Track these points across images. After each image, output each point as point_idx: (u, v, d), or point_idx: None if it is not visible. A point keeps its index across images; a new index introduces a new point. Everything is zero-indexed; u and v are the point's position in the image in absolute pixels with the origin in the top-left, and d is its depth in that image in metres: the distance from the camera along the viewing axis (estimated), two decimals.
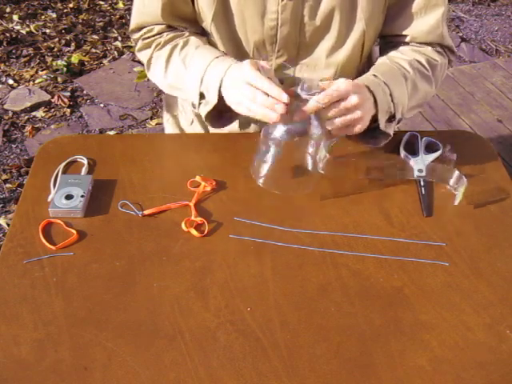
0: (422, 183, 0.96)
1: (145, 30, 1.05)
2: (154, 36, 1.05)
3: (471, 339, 0.74)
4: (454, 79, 2.77)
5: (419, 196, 0.94)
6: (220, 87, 0.91)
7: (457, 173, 0.95)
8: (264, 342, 0.73)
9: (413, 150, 1.02)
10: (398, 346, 0.73)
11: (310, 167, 0.93)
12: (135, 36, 1.08)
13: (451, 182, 0.96)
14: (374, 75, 0.95)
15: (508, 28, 3.26)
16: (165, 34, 1.04)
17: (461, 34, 3.16)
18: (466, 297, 0.79)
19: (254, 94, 0.85)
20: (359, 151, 1.01)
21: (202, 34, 1.06)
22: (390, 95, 0.93)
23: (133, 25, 1.07)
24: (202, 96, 0.97)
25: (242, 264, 0.83)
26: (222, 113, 0.97)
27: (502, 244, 0.87)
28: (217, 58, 0.96)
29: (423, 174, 0.97)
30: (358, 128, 0.89)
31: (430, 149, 1.03)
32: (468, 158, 1.02)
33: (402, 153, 1.02)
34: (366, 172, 0.98)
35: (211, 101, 0.94)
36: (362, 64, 1.06)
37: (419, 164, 0.99)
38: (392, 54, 1.03)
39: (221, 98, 0.92)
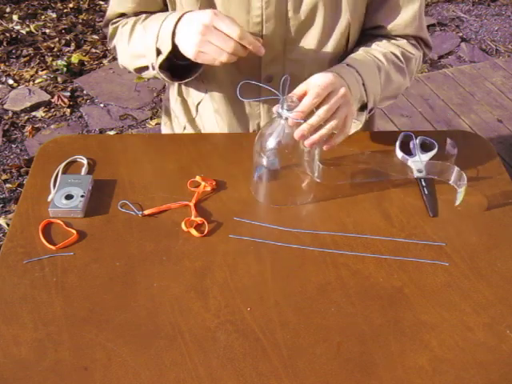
0: (423, 183, 0.96)
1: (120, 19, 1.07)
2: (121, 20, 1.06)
3: (471, 339, 0.74)
4: (454, 79, 2.77)
5: (422, 196, 0.94)
6: (174, 32, 0.90)
7: (456, 169, 0.95)
8: (264, 342, 0.73)
9: (409, 151, 1.03)
10: (398, 346, 0.73)
11: (305, 177, 0.92)
12: (105, 30, 1.11)
13: (452, 179, 0.96)
14: (348, 64, 0.95)
15: (508, 28, 3.26)
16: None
17: (461, 34, 3.16)
18: (466, 297, 0.79)
19: (216, 39, 0.85)
20: (354, 155, 1.00)
21: None
22: (363, 84, 0.93)
23: (104, 20, 1.10)
24: (159, 53, 0.95)
25: (242, 264, 0.83)
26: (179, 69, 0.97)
27: (502, 244, 0.87)
28: (175, 11, 0.95)
29: (423, 173, 0.97)
30: (350, 121, 0.87)
31: (425, 148, 1.03)
32: (468, 158, 1.02)
33: (399, 154, 1.02)
34: (363, 177, 0.97)
35: (165, 50, 0.92)
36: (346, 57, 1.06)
37: (418, 164, 0.99)
38: (367, 45, 1.03)
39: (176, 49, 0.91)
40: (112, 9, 1.07)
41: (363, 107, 0.97)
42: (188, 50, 0.89)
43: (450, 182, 0.96)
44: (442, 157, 1.01)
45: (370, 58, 0.99)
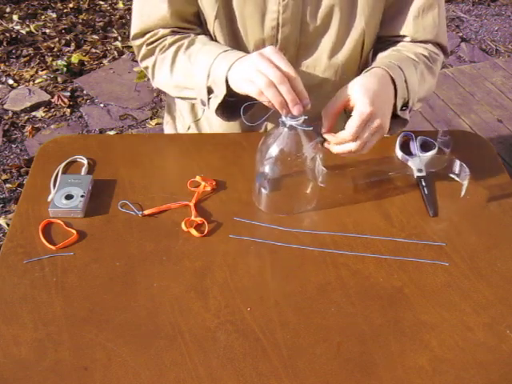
0: (423, 183, 0.96)
1: (148, 35, 1.00)
2: (157, 40, 1.00)
3: (471, 339, 0.74)
4: (454, 79, 2.77)
5: (422, 196, 0.94)
6: (227, 77, 0.87)
7: (458, 162, 0.94)
8: (264, 342, 0.73)
9: (409, 151, 1.02)
10: (398, 346, 0.73)
11: (309, 183, 0.91)
12: (138, 42, 1.03)
13: (455, 172, 0.95)
14: (389, 61, 0.93)
15: (508, 28, 3.26)
16: (169, 37, 1.00)
17: (461, 34, 3.16)
18: (466, 297, 0.79)
19: (266, 66, 0.80)
20: (355, 159, 1.00)
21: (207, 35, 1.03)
22: (405, 81, 0.92)
23: (136, 29, 1.01)
24: (210, 91, 0.93)
25: (242, 264, 0.83)
26: (233, 107, 0.93)
27: (502, 244, 0.87)
28: (225, 51, 0.91)
29: (423, 173, 0.97)
30: (382, 135, 0.88)
31: (425, 148, 1.03)
32: (468, 157, 1.02)
33: (399, 154, 1.02)
34: (364, 178, 0.97)
35: (220, 93, 0.90)
36: (361, 65, 1.05)
37: (418, 164, 0.99)
38: (396, 47, 1.02)
39: (231, 91, 0.88)
40: (143, 20, 1.00)
41: (402, 107, 0.94)
42: (244, 89, 0.85)
43: (453, 176, 0.96)
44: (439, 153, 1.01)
45: (406, 57, 0.97)
